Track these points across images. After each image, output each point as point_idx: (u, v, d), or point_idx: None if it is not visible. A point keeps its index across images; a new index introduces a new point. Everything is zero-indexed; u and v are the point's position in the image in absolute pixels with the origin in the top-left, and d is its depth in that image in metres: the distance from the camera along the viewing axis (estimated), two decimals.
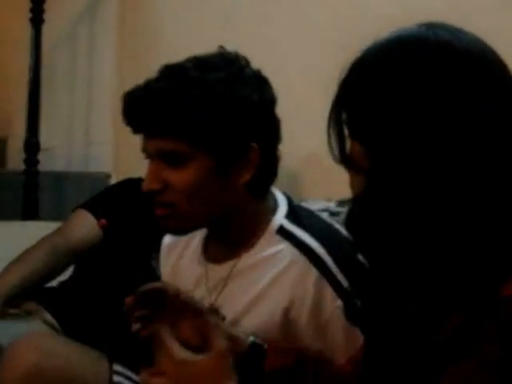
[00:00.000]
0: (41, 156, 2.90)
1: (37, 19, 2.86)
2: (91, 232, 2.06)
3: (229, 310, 1.39)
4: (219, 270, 1.43)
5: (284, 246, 1.37)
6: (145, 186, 1.39)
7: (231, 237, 1.42)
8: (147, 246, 2.04)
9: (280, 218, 1.41)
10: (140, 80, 3.09)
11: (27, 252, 1.99)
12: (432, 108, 0.88)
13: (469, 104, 0.88)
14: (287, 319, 1.34)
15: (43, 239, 2.03)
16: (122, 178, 2.36)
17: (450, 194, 0.88)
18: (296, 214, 1.43)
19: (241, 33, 2.61)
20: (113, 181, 2.88)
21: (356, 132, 0.95)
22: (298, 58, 2.45)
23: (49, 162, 3.01)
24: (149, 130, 1.36)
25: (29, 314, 1.90)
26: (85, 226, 2.07)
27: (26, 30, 2.90)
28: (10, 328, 1.81)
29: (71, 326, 1.94)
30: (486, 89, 0.89)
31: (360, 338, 1.20)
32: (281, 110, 2.37)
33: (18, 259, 1.97)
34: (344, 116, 0.96)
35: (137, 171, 2.40)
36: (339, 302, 1.31)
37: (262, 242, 1.39)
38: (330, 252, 1.35)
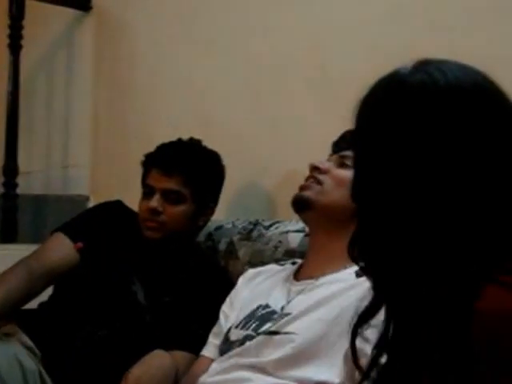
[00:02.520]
0: (19, 179, 2.92)
1: (15, 45, 2.90)
2: (68, 255, 2.08)
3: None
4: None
5: None
6: (316, 162, 1.75)
7: None
8: (127, 270, 2.08)
9: None
10: (115, 106, 3.15)
11: (3, 274, 2.00)
12: (411, 151, 0.92)
13: (450, 142, 0.91)
14: None
15: (19, 262, 2.04)
16: (100, 200, 2.41)
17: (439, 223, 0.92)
18: None
19: (222, 60, 2.65)
20: (91, 203, 2.89)
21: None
22: (282, 83, 2.49)
23: (27, 186, 3.03)
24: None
25: (7, 336, 1.90)
26: (61, 249, 2.08)
27: (4, 56, 2.93)
28: None
29: (49, 348, 1.96)
30: (468, 124, 0.91)
31: None
32: (258, 129, 2.41)
33: None
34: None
35: (114, 193, 2.46)
36: None
37: None
38: None
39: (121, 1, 3.00)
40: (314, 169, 1.74)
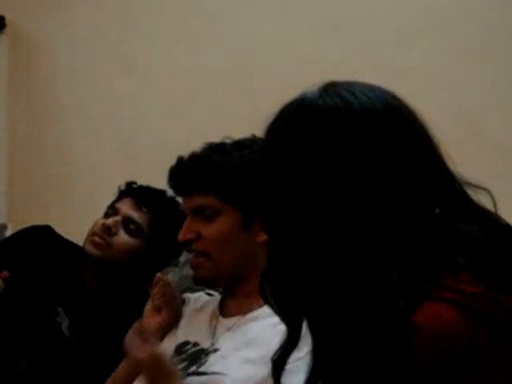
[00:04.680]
0: None
1: None
2: None
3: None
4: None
5: None
6: (180, 236, 1.63)
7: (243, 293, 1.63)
8: (52, 300, 2.02)
9: None
10: (33, 130, 3.06)
11: None
12: (321, 176, 0.92)
13: (356, 169, 0.91)
14: None
15: None
16: (17, 228, 2.34)
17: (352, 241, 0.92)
18: None
19: (145, 79, 2.62)
20: (8, 231, 2.81)
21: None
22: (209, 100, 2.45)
23: None
24: (188, 189, 1.64)
25: None
26: None
27: None
28: None
29: None
30: (383, 145, 0.92)
31: None
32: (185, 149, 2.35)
33: None
34: None
35: (33, 220, 2.38)
36: None
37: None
38: None
39: (37, 18, 2.92)
40: (188, 243, 1.64)
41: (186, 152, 1.67)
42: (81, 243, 2.10)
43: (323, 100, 0.95)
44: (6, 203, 2.95)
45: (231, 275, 1.63)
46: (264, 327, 1.56)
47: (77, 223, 2.22)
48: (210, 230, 1.60)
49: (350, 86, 0.96)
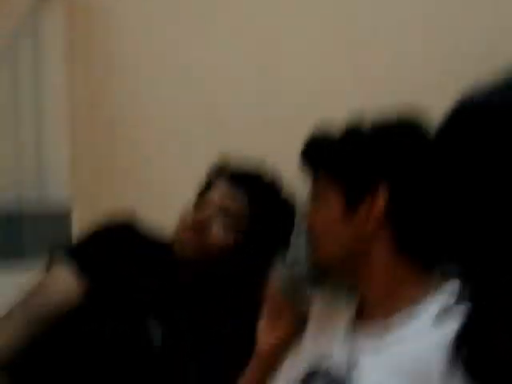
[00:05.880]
0: None
1: None
2: (70, 293, 1.76)
3: None
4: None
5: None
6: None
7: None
8: (141, 311, 1.79)
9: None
10: (92, 97, 2.80)
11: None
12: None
13: None
14: None
15: (17, 307, 1.75)
16: (83, 214, 2.17)
17: None
18: None
19: (225, 40, 2.34)
20: (73, 216, 2.63)
21: None
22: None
23: None
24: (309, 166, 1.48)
25: None
26: (63, 285, 1.76)
27: None
28: None
29: None
30: None
31: None
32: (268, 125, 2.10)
33: None
34: None
35: (99, 202, 2.19)
36: None
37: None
38: None
39: None
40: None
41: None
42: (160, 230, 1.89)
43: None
44: (69, 188, 2.74)
45: (340, 268, 1.41)
46: (411, 350, 1.27)
47: (150, 210, 2.05)
48: (317, 214, 1.44)
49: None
